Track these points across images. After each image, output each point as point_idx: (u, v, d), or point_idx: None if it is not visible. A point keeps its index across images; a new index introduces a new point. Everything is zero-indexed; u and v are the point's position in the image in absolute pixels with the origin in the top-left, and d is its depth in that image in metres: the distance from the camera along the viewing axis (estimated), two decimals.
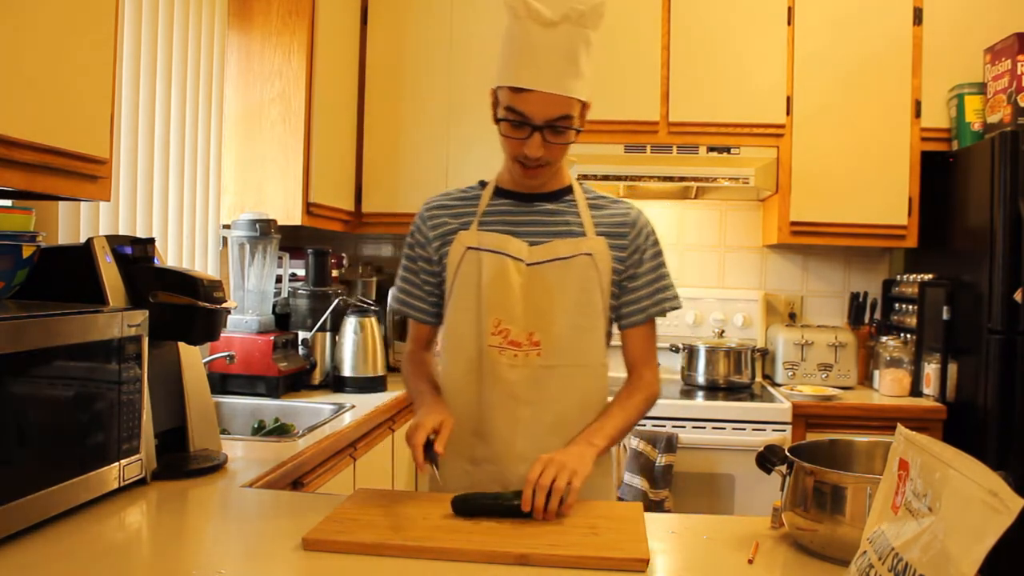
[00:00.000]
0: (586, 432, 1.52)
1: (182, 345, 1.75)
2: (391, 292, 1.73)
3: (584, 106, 1.52)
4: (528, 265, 1.55)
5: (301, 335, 2.82)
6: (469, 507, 1.33)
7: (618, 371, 1.66)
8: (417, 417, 1.48)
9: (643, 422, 2.35)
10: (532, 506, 1.31)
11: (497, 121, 1.52)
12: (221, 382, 2.58)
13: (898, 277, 3.35)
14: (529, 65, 1.44)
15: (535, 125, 1.46)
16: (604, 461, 1.62)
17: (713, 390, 3.15)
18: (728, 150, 3.17)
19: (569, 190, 1.63)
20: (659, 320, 1.66)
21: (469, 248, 1.58)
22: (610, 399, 1.62)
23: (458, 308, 1.59)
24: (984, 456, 1.63)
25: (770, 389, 3.16)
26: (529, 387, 1.55)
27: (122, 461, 1.45)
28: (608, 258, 1.57)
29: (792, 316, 3.58)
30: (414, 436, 1.41)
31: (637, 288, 1.60)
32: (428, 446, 1.39)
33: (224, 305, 1.71)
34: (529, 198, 1.61)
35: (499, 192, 1.64)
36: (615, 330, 1.67)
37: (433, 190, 3.25)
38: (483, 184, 1.68)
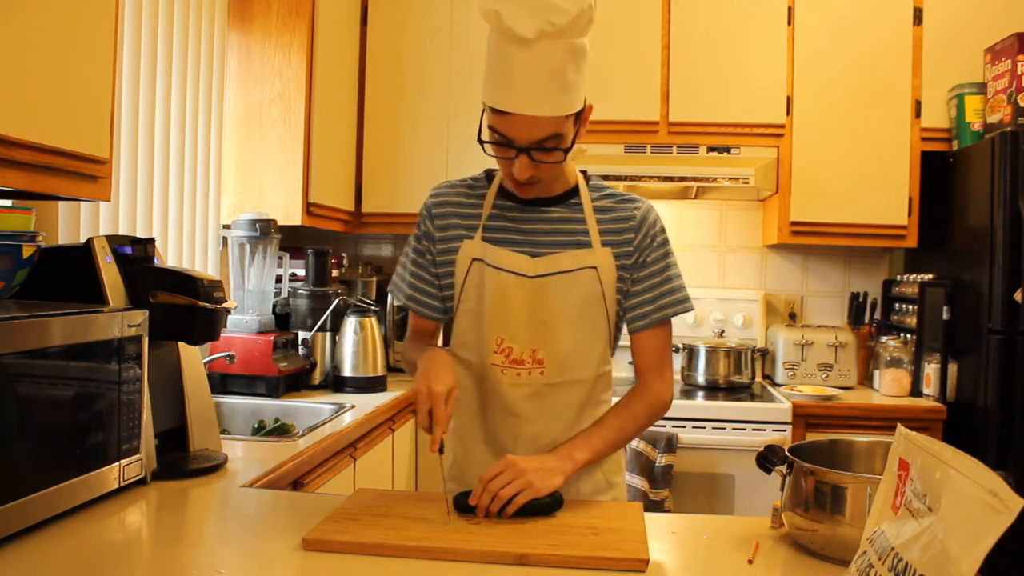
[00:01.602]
0: (571, 443, 1.46)
1: (182, 345, 1.75)
2: (394, 283, 1.64)
3: (581, 113, 1.41)
4: (531, 278, 1.50)
5: (301, 335, 2.82)
6: (457, 504, 1.36)
7: (621, 371, 1.61)
8: (422, 375, 1.38)
9: None
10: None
11: (481, 141, 1.41)
12: (221, 382, 2.58)
13: (898, 277, 3.35)
14: (509, 87, 1.33)
15: (520, 147, 1.38)
16: (612, 460, 1.60)
17: (713, 390, 3.15)
18: (728, 150, 3.17)
19: (575, 191, 1.56)
20: None
21: (475, 260, 1.53)
22: (615, 399, 1.57)
23: (464, 318, 1.56)
24: (984, 456, 1.63)
25: (770, 389, 3.16)
26: (531, 405, 1.53)
27: (122, 461, 1.45)
28: (613, 269, 1.52)
29: (792, 316, 3.58)
30: (422, 402, 1.33)
31: (639, 292, 1.55)
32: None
33: (224, 305, 1.71)
34: (533, 201, 1.54)
35: (503, 192, 1.56)
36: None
37: None
38: (490, 176, 1.60)
